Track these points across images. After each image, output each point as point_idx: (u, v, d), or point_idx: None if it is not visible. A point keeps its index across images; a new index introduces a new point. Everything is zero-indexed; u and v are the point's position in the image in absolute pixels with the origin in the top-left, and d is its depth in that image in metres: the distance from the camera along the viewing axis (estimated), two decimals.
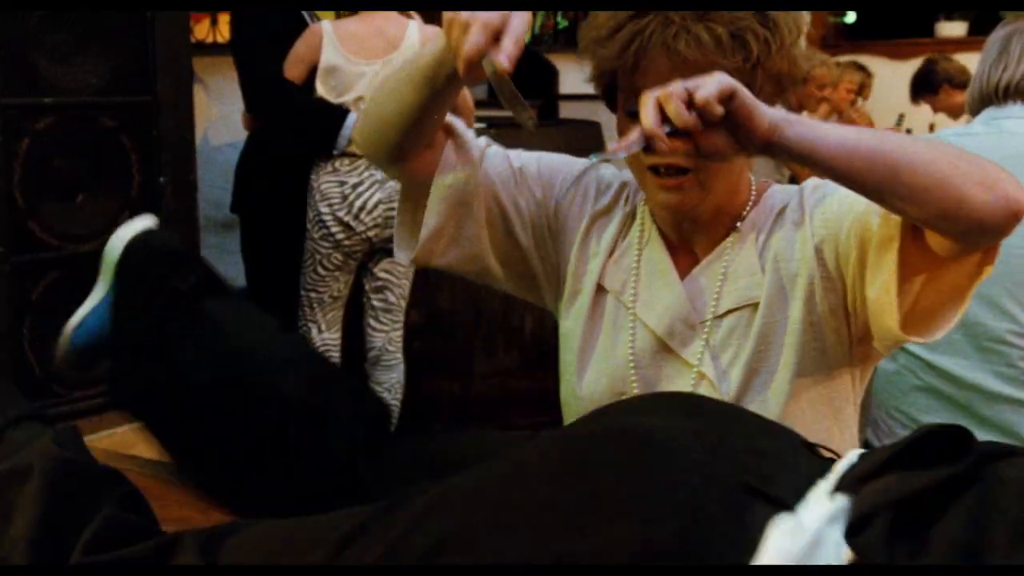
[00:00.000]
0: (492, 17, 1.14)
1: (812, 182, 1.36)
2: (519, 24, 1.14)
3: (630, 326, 1.41)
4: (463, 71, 1.17)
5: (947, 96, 5.39)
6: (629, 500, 0.83)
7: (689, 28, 1.22)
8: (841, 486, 0.87)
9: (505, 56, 1.12)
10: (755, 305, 1.34)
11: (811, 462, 0.96)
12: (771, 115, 1.10)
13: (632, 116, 1.25)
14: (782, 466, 0.92)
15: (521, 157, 1.46)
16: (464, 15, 1.15)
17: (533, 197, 1.45)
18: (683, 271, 1.40)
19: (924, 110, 5.76)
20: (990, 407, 1.86)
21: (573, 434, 0.98)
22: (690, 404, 1.08)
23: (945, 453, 0.85)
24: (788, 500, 0.87)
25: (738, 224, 1.38)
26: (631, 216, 1.46)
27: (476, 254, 1.44)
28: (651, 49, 1.24)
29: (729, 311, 1.35)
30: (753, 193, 1.40)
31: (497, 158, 1.44)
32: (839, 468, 0.89)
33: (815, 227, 1.31)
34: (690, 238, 1.40)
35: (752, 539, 0.82)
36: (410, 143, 1.36)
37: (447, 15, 1.17)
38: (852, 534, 0.80)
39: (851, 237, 1.26)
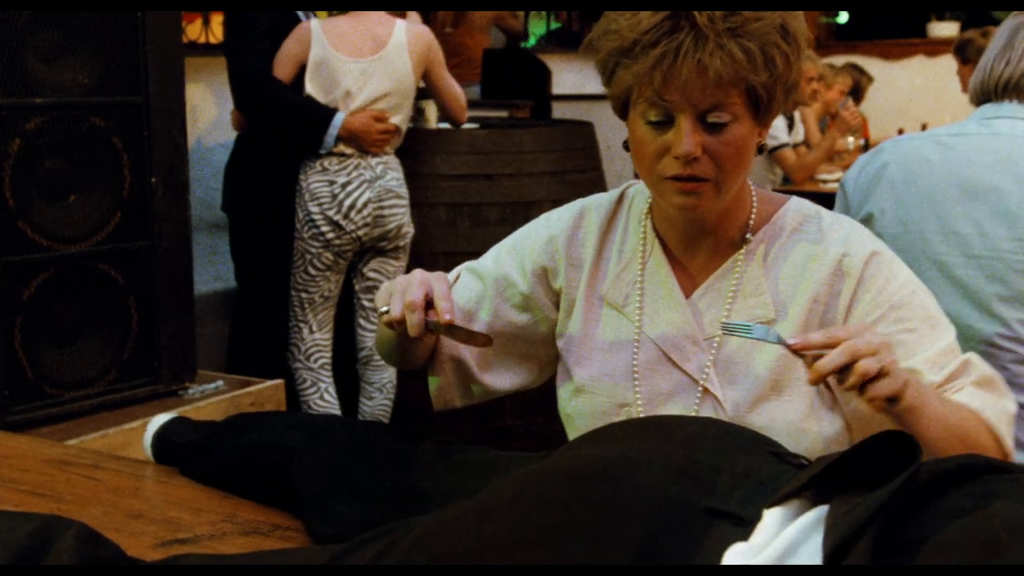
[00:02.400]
0: (415, 295, 1.30)
1: (874, 267, 1.37)
2: (440, 287, 1.32)
3: (634, 339, 1.41)
4: (416, 339, 1.34)
5: (971, 73, 5.40)
6: (586, 534, 0.87)
7: (724, 45, 1.22)
8: (801, 496, 0.89)
9: (445, 314, 1.29)
10: (765, 324, 1.35)
11: (776, 471, 0.97)
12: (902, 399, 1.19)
13: (656, 127, 1.29)
14: (744, 481, 0.94)
15: (485, 267, 1.52)
16: (395, 311, 1.31)
17: (511, 281, 1.50)
18: (686, 287, 1.41)
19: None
20: None
21: (541, 469, 1.01)
22: (655, 425, 1.11)
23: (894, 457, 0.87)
24: (747, 516, 0.88)
25: (748, 235, 1.40)
26: (606, 230, 1.47)
27: (489, 392, 1.54)
28: (683, 67, 1.23)
29: None
30: (754, 201, 1.42)
31: (462, 299, 1.51)
32: (801, 477, 0.90)
33: (870, 317, 1.35)
34: (696, 246, 1.41)
35: (708, 566, 0.85)
36: (414, 364, 1.53)
37: (383, 318, 1.34)
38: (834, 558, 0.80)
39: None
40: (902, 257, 1.88)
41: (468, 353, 1.48)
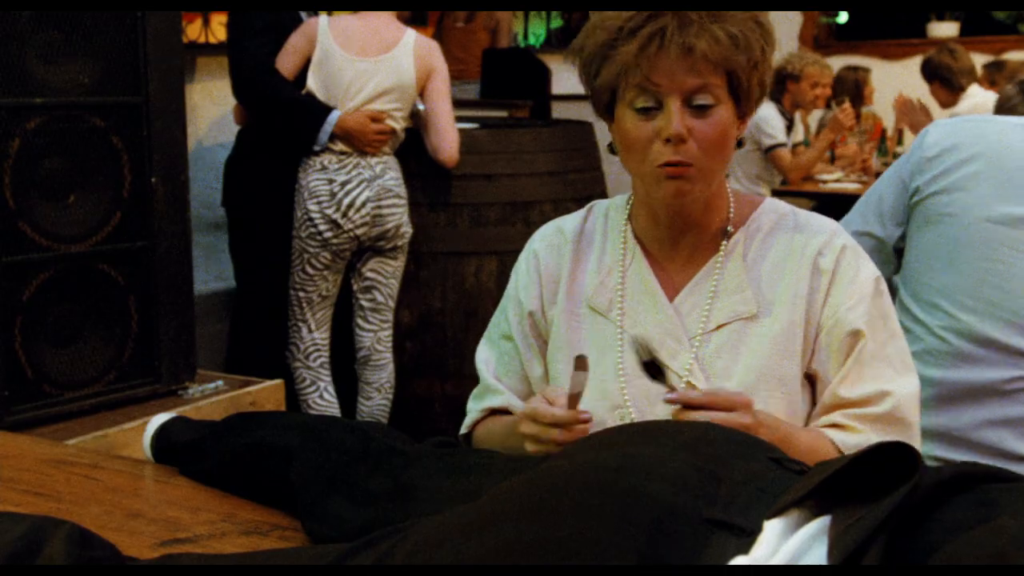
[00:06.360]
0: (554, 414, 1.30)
1: (844, 260, 1.42)
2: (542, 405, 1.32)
3: (618, 341, 1.45)
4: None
5: (935, 90, 5.44)
6: (586, 546, 0.87)
7: (707, 27, 1.30)
8: (801, 506, 0.89)
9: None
10: (746, 319, 1.40)
11: (775, 477, 0.98)
12: None
13: (644, 114, 1.35)
14: (743, 490, 0.94)
15: (505, 329, 1.56)
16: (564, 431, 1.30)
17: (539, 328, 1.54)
18: (669, 291, 1.45)
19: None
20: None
21: (540, 476, 1.01)
22: (654, 430, 1.11)
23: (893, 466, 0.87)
24: (747, 527, 0.88)
25: (729, 229, 1.45)
26: (578, 242, 1.52)
27: None
28: (670, 48, 1.30)
29: (720, 326, 1.41)
30: (731, 200, 1.47)
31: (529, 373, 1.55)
32: (800, 487, 0.90)
33: (839, 315, 1.39)
34: (678, 245, 1.46)
35: (709, 566, 0.85)
36: None
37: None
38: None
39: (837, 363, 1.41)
40: (967, 243, 1.79)
41: None
